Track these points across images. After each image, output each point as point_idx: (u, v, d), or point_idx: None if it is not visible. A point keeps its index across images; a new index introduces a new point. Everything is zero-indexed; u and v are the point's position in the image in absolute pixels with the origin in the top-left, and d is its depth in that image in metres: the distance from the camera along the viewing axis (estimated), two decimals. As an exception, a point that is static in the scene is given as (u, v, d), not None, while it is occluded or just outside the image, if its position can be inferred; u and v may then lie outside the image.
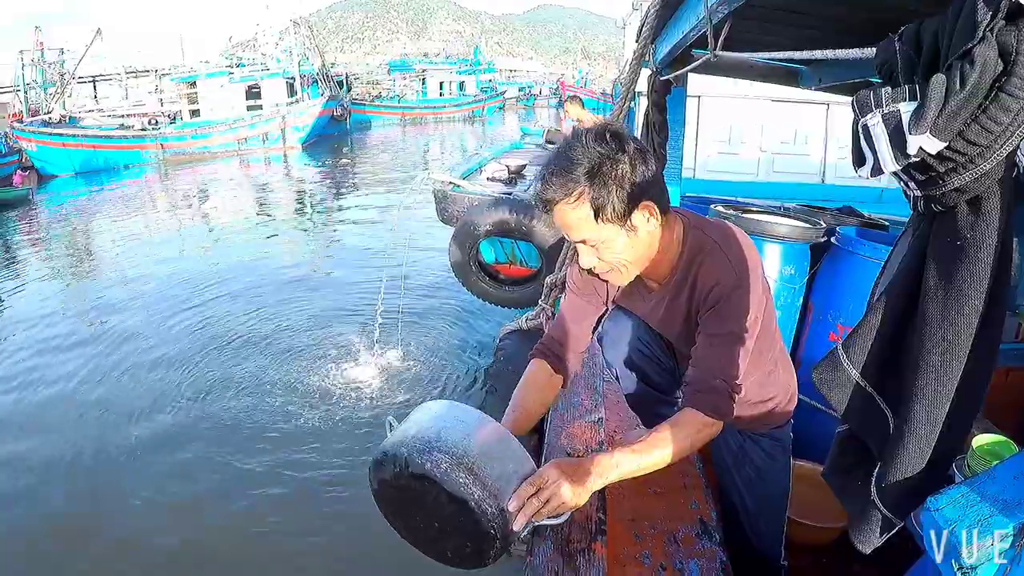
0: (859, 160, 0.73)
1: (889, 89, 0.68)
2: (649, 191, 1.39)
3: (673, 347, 1.79)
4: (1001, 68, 0.63)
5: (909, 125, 0.65)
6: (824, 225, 3.03)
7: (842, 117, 5.29)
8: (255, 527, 3.81)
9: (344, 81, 32.57)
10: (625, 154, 1.36)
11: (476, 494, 1.27)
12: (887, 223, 3.17)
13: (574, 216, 1.37)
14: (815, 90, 2.69)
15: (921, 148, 0.65)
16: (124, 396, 5.34)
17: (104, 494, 4.17)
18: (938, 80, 0.63)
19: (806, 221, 3.07)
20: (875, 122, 0.68)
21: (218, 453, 4.54)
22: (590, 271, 1.51)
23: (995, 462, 2.02)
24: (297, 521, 3.86)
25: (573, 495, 1.33)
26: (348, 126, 29.02)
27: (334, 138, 25.88)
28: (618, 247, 1.42)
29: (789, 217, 3.14)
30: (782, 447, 1.80)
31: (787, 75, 2.76)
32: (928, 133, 0.64)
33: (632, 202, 1.37)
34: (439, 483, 1.28)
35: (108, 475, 4.34)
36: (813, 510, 2.29)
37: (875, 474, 0.78)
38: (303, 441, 4.62)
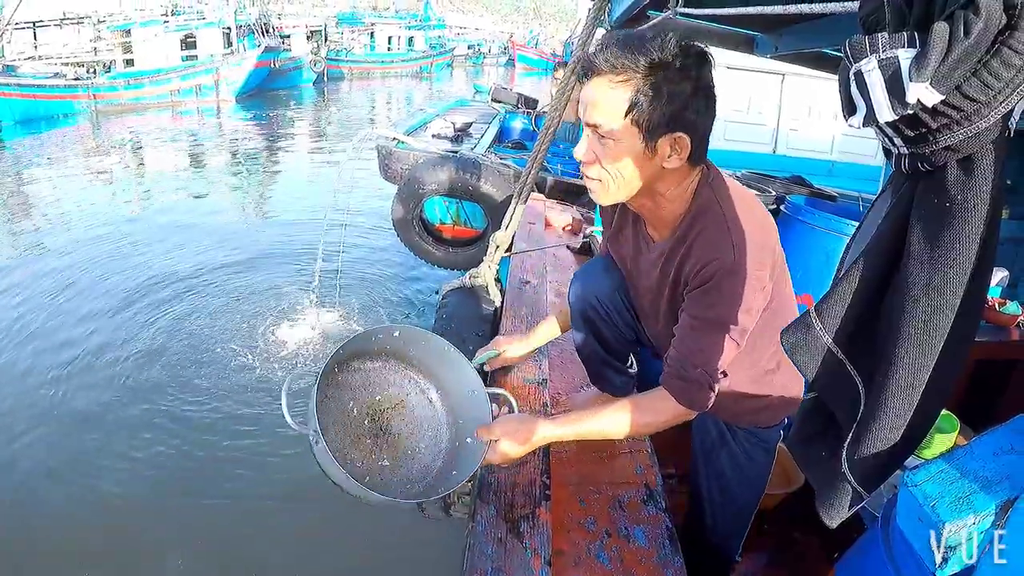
0: (850, 109, 0.69)
1: (887, 34, 0.63)
2: (691, 127, 1.25)
3: (639, 318, 1.69)
4: (1004, 21, 0.59)
5: (910, 72, 0.61)
6: (774, 193, 3.03)
7: (796, 88, 5.33)
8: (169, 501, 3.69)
9: (323, 32, 32.33)
10: (696, 77, 1.22)
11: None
12: (836, 195, 3.20)
13: (606, 95, 1.23)
14: (770, 58, 2.67)
15: (918, 100, 0.61)
16: (45, 352, 5.06)
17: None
18: (941, 27, 0.59)
19: (756, 188, 3.07)
20: (871, 68, 0.64)
21: (141, 412, 4.38)
22: (578, 161, 1.34)
23: (937, 435, 2.07)
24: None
25: (512, 451, 1.43)
26: (324, 79, 29.19)
27: (276, 92, 25.05)
28: (623, 155, 1.26)
29: (739, 184, 3.14)
30: (764, 448, 1.62)
31: (743, 42, 2.72)
32: (928, 83, 0.60)
33: (669, 125, 1.23)
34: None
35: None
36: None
37: (846, 445, 0.75)
38: (233, 404, 4.46)
